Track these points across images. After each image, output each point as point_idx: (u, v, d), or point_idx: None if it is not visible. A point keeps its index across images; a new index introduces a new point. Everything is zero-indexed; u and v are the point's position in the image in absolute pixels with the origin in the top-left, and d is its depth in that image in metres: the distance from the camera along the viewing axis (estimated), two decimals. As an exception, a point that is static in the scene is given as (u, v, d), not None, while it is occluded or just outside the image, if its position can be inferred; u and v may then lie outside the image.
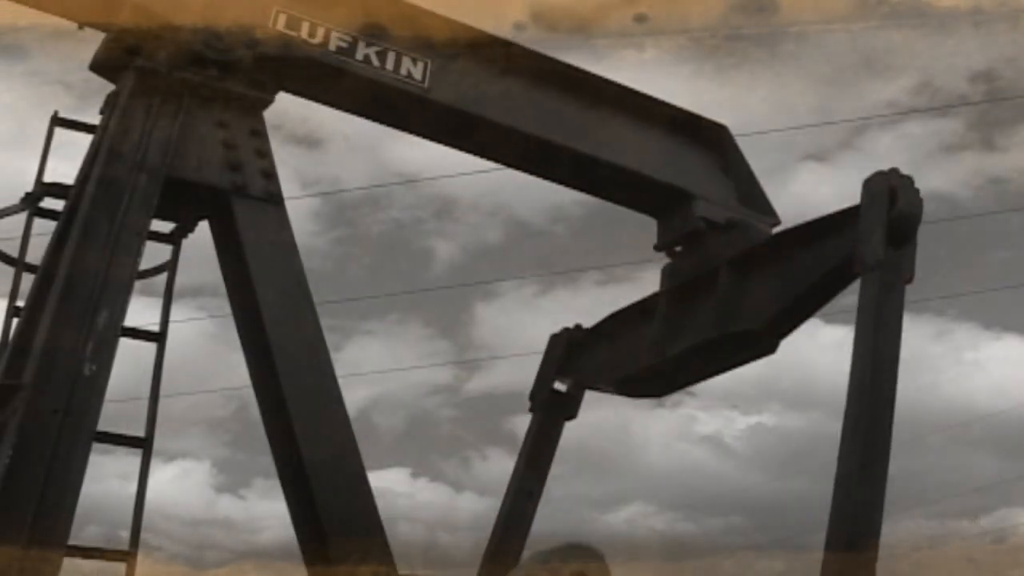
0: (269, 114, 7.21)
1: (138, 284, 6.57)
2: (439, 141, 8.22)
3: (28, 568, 5.47)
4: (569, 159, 8.28)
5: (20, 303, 6.56)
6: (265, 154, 7.05)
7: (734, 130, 8.91)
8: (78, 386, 5.92)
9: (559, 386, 9.34)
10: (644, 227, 8.86)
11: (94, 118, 7.04)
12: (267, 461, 6.81)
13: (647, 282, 8.88)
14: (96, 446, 6.02)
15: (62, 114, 7.07)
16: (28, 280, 6.65)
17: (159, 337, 6.68)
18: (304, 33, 7.23)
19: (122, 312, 6.27)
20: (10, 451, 5.68)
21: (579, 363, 9.30)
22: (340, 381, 6.84)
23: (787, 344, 8.15)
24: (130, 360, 6.48)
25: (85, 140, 6.99)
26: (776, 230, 8.61)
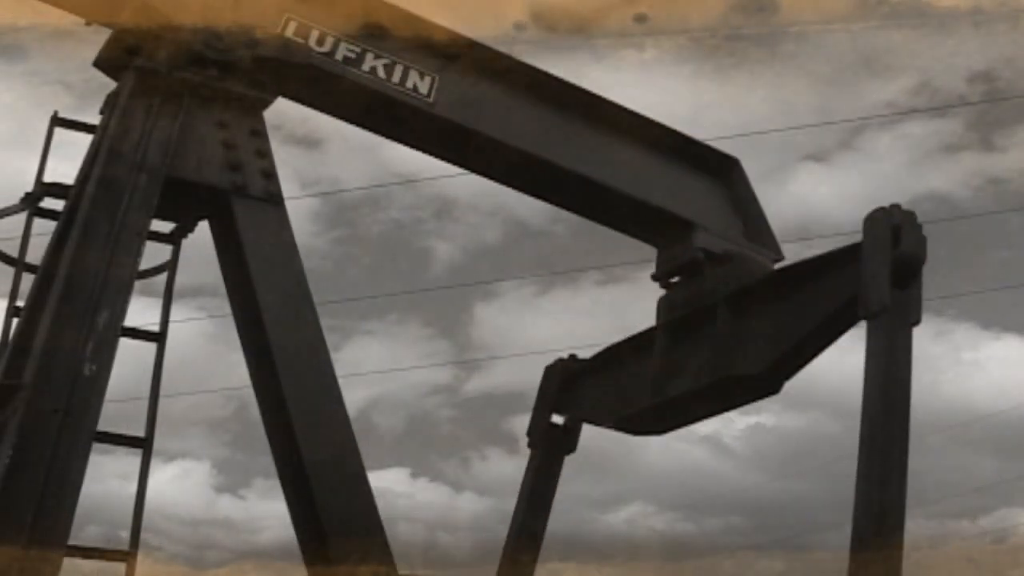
0: (269, 114, 7.21)
1: (138, 284, 6.58)
2: (440, 157, 8.18)
3: (28, 568, 5.47)
4: (573, 183, 8.18)
5: (20, 303, 6.56)
6: (265, 154, 7.04)
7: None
8: (78, 386, 5.91)
9: (556, 419, 9.12)
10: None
11: (94, 118, 7.05)
12: (267, 461, 6.81)
13: (646, 282, 8.81)
14: (96, 446, 6.02)
15: (62, 114, 7.08)
16: (28, 280, 6.65)
17: (159, 337, 6.67)
18: (312, 41, 7.22)
19: (122, 312, 6.27)
20: (10, 451, 5.68)
21: (576, 397, 9.10)
22: (340, 381, 6.85)
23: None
24: (130, 360, 6.48)
25: (85, 140, 7.00)
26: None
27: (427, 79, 7.58)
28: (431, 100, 7.58)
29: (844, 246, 7.27)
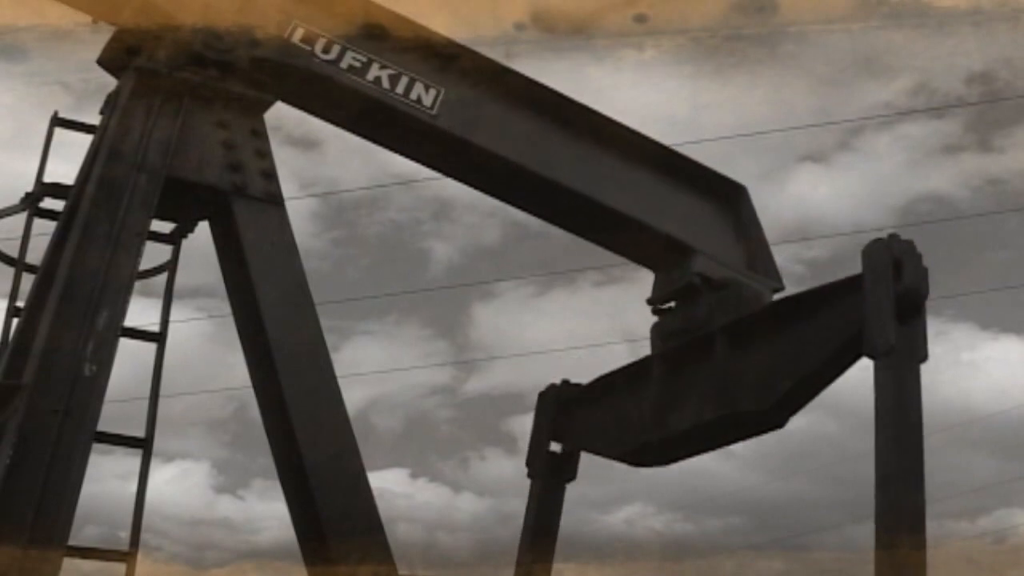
0: (267, 115, 7.21)
1: (138, 284, 6.58)
2: (440, 170, 8.14)
3: (28, 568, 5.48)
4: (574, 202, 8.10)
5: (20, 303, 6.57)
6: (265, 154, 7.04)
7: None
8: (78, 386, 5.92)
9: (554, 447, 8.97)
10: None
11: (94, 118, 7.05)
12: (266, 461, 6.82)
13: (645, 283, 8.77)
14: (96, 446, 6.03)
15: (62, 114, 7.09)
16: (28, 280, 6.65)
17: (159, 337, 6.68)
18: (319, 48, 7.20)
19: (122, 312, 6.27)
20: (10, 451, 5.68)
21: (574, 425, 8.96)
22: (339, 381, 6.84)
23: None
24: (130, 360, 6.49)
25: (85, 140, 7.00)
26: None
27: (432, 91, 7.54)
28: (434, 112, 7.54)
29: (844, 278, 7.12)
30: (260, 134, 7.07)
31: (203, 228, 7.11)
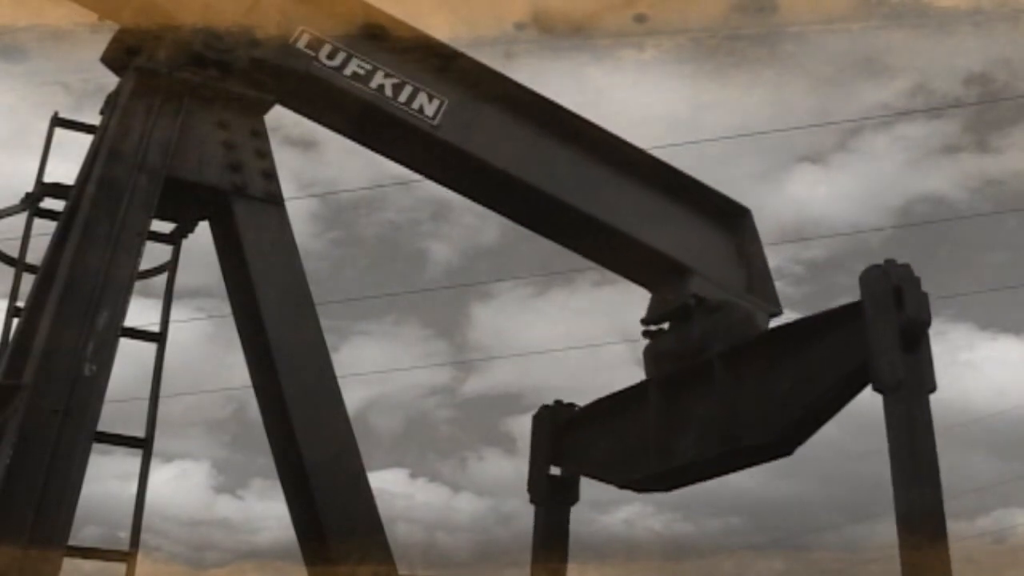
0: (267, 116, 7.20)
1: (138, 284, 6.57)
2: (438, 180, 8.12)
3: (28, 568, 5.47)
4: (574, 219, 8.07)
5: (20, 303, 6.56)
6: (265, 155, 7.04)
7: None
8: (78, 386, 5.92)
9: (554, 471, 8.89)
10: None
11: (94, 118, 7.05)
12: (266, 462, 6.81)
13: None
14: (96, 446, 6.02)
15: (62, 114, 7.08)
16: (28, 280, 6.65)
17: (159, 337, 6.67)
18: (323, 55, 7.19)
19: (122, 312, 6.27)
20: (10, 451, 5.68)
21: (572, 450, 8.88)
22: (339, 381, 6.84)
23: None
24: (130, 360, 6.48)
25: (85, 140, 7.00)
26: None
27: (435, 102, 7.54)
28: (436, 123, 7.54)
29: (842, 305, 7.05)
30: (260, 134, 7.07)
31: (203, 228, 7.11)
